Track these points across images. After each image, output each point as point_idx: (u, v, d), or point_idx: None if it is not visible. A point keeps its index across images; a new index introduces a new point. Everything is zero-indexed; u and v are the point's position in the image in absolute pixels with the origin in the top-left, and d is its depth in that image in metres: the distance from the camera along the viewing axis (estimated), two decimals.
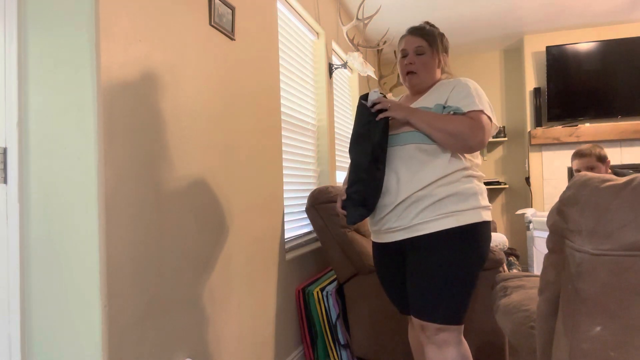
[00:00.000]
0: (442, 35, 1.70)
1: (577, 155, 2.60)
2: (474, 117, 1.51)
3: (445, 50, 1.70)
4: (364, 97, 1.64)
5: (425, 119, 1.52)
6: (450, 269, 1.50)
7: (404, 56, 1.68)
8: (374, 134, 1.56)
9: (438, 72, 1.69)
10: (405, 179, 1.54)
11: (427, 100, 1.62)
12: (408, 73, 1.67)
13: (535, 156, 4.76)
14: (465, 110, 1.53)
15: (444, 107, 1.57)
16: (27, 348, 1.21)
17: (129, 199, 1.28)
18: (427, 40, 1.65)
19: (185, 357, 1.51)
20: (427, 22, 1.74)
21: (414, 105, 1.65)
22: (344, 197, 1.64)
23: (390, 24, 4.29)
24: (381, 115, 1.55)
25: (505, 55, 5.23)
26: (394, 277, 1.70)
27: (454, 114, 1.54)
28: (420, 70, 1.65)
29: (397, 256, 1.67)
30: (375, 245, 1.74)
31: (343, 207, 1.66)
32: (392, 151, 1.59)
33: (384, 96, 1.64)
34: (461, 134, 1.48)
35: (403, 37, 1.71)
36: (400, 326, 2.33)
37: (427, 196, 1.52)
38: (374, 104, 1.59)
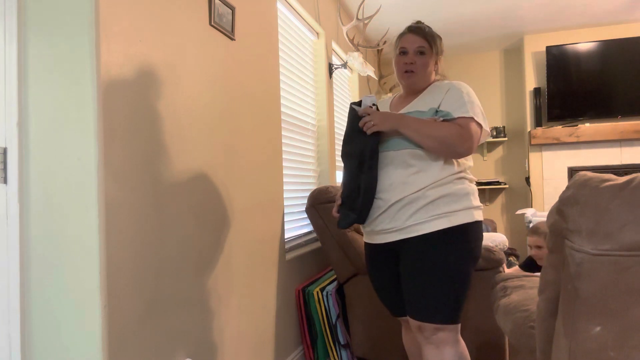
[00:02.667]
0: (439, 37, 1.70)
1: (532, 231, 2.59)
2: (463, 125, 1.52)
3: (441, 53, 1.71)
4: (356, 103, 1.64)
5: (413, 126, 1.52)
6: (445, 269, 1.50)
7: (403, 54, 1.67)
8: (364, 141, 1.56)
9: (433, 74, 1.69)
10: (398, 182, 1.55)
11: (421, 103, 1.62)
12: (406, 72, 1.66)
13: (535, 156, 4.76)
14: (455, 115, 1.54)
15: (437, 112, 1.57)
16: (27, 348, 1.21)
17: (129, 198, 1.28)
18: (428, 41, 1.65)
19: (185, 357, 1.51)
20: (420, 22, 1.74)
21: (408, 107, 1.65)
22: (339, 202, 1.66)
23: (390, 24, 4.29)
24: (369, 131, 1.54)
25: (505, 55, 5.23)
26: (386, 279, 1.70)
27: (444, 119, 1.55)
28: (419, 70, 1.64)
29: (390, 257, 1.67)
30: (368, 246, 1.74)
31: (338, 212, 1.67)
32: (386, 155, 1.59)
33: (375, 106, 1.60)
34: (449, 141, 1.50)
35: (402, 34, 1.69)
36: (400, 326, 2.33)
37: (420, 197, 1.53)
38: (364, 116, 1.57)
